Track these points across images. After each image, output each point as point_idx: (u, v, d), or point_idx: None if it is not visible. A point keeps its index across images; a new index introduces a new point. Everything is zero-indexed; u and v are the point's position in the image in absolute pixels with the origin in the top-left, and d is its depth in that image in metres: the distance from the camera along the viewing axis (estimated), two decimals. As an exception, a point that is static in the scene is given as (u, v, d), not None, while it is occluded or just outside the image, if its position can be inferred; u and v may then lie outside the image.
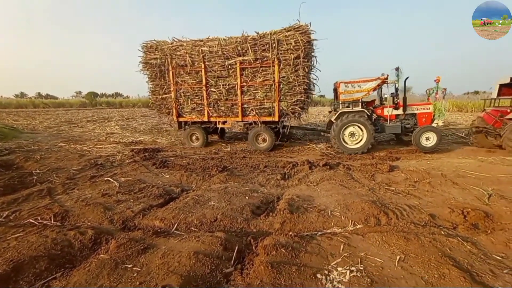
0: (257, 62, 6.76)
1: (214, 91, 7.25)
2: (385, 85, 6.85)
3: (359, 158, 6.24)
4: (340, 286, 2.02)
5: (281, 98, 6.87)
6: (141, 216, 3.23)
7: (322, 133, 8.51)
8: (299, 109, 6.92)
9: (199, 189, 4.17)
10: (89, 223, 3.07)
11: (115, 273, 2.14)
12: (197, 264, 2.20)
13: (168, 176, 4.85)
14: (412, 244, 2.48)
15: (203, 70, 7.14)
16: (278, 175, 4.63)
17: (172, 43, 7.32)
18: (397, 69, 6.60)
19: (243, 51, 6.77)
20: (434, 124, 6.74)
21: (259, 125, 7.17)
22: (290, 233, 2.81)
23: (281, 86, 6.78)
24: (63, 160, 5.99)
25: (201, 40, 7.07)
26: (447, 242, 2.52)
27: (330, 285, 2.04)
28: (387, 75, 6.64)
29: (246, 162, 5.73)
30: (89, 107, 34.93)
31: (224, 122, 7.66)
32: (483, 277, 2.05)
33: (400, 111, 6.88)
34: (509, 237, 2.60)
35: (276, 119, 6.99)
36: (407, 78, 6.60)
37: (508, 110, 6.42)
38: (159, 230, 2.87)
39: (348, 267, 2.21)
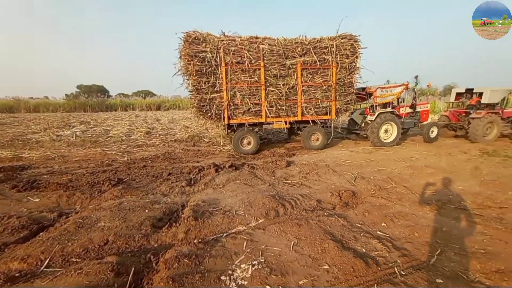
0: (318, 63, 7.02)
1: (274, 90, 7.00)
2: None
3: (262, 156, 6.77)
4: (243, 283, 2.09)
5: (337, 98, 7.43)
6: (-13, 260, 2.37)
7: (357, 132, 8.73)
8: (351, 107, 7.82)
9: (85, 209, 3.46)
10: None
11: None
12: (76, 303, 1.79)
13: (38, 199, 3.79)
14: (303, 229, 2.85)
15: (262, 68, 6.74)
16: (183, 182, 4.42)
17: (220, 37, 6.56)
18: (416, 77, 8.18)
19: (303, 52, 6.94)
20: (429, 119, 8.70)
21: (317, 124, 7.53)
22: (195, 240, 2.71)
23: (337, 87, 7.33)
24: None
25: (257, 37, 6.72)
26: (328, 221, 3.05)
27: (233, 284, 2.07)
28: (408, 82, 8.02)
29: (147, 172, 5.19)
30: None
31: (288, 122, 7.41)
32: (349, 242, 2.59)
33: (411, 110, 8.38)
34: (365, 208, 3.39)
35: (333, 117, 7.58)
36: (416, 83, 8.31)
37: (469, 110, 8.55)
38: (17, 275, 2.17)
39: (250, 262, 2.32)
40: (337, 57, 7.10)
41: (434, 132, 8.37)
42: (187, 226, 2.96)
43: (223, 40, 6.53)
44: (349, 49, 7.11)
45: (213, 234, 2.87)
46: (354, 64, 7.31)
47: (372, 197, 3.86)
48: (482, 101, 8.23)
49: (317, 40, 7.03)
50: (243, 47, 6.59)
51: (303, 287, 2.04)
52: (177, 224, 3.05)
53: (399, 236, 2.79)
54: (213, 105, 6.74)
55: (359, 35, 7.21)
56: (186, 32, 6.46)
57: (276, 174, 4.95)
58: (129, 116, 18.05)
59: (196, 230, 2.92)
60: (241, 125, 7.19)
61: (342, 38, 7.10)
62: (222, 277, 2.14)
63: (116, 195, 3.90)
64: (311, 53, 6.96)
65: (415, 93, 8.75)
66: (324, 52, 7.05)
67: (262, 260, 2.34)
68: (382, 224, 3.03)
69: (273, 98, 7.02)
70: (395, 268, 2.23)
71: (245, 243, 2.61)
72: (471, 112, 8.43)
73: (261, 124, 7.52)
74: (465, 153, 6.75)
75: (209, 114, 6.81)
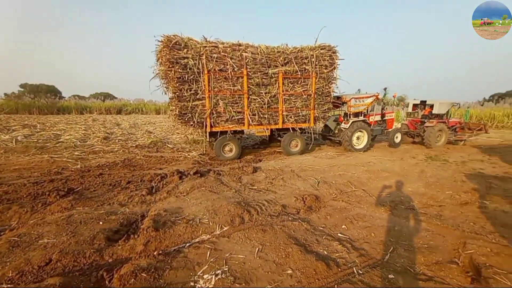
0: (299, 73, 7.22)
1: (256, 99, 7.05)
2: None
3: (229, 162, 6.70)
4: (205, 294, 2.01)
5: (315, 106, 7.72)
6: None
7: (331, 138, 9.27)
8: (328, 115, 8.26)
9: (23, 225, 3.04)
10: None
11: None
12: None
13: (-38, 216, 3.24)
14: (268, 235, 2.86)
15: (245, 77, 6.76)
16: (144, 191, 4.15)
17: (202, 42, 6.39)
18: (385, 89, 9.14)
19: (285, 61, 7.09)
20: (394, 127, 9.54)
21: (297, 131, 7.82)
22: (155, 252, 2.55)
23: (316, 96, 7.62)
24: None
25: (240, 45, 6.68)
26: (292, 226, 3.10)
27: (195, 297, 1.98)
28: (378, 93, 8.72)
29: (103, 180, 4.78)
30: None
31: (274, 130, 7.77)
32: (312, 246, 2.66)
33: (379, 118, 9.17)
34: (327, 212, 3.54)
35: (312, 125, 7.90)
36: (385, 94, 9.22)
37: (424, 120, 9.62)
38: None
39: (214, 272, 2.25)
40: (316, 68, 7.35)
41: (398, 137, 9.26)
42: (146, 238, 2.77)
43: (205, 46, 6.35)
44: (327, 60, 7.43)
45: (175, 244, 2.73)
46: (331, 74, 7.69)
47: (334, 201, 4.04)
48: (433, 111, 9.40)
49: (298, 50, 7.20)
50: (226, 54, 6.49)
51: (267, 294, 2.03)
52: (136, 236, 2.85)
53: (358, 237, 2.95)
54: (195, 113, 6.56)
55: (337, 46, 7.59)
56: (166, 36, 6.13)
57: (242, 180, 4.92)
58: (85, 120, 16.60)
59: (156, 241, 2.75)
60: (223, 132, 7.08)
61: (321, 49, 7.38)
62: (183, 290, 2.03)
63: (65, 207, 3.51)
64: (293, 63, 7.12)
65: (384, 103, 9.64)
66: (304, 62, 7.26)
67: (226, 269, 2.28)
68: (343, 226, 3.18)
69: (256, 107, 7.07)
70: (354, 268, 2.34)
71: (208, 252, 2.53)
72: (425, 121, 9.54)
73: (242, 131, 7.59)
74: (414, 158, 7.48)
75: (191, 122, 6.59)
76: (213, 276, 2.19)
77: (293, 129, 7.78)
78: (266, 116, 7.25)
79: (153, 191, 4.28)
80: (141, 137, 10.14)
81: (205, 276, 2.19)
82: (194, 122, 6.58)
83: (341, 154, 7.83)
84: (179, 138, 9.80)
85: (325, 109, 8.00)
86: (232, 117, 6.91)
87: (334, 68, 7.62)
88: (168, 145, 8.80)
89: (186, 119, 6.54)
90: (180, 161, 6.84)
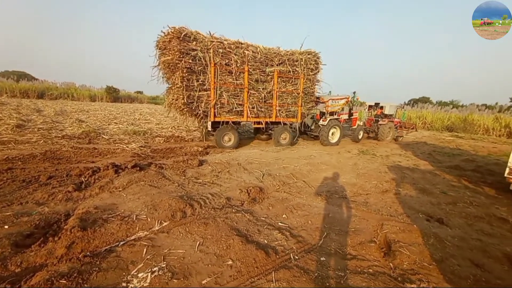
0: (291, 73, 8.18)
1: (254, 93, 7.79)
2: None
3: (173, 155, 6.38)
4: (139, 294, 1.88)
5: (302, 104, 8.74)
6: None
7: (307, 132, 10.36)
8: (311, 112, 9.77)
9: None
10: None
11: None
12: None
13: None
14: (210, 228, 2.82)
15: (246, 73, 7.45)
16: (70, 186, 3.63)
17: (209, 37, 6.94)
18: (354, 92, 10.50)
19: (280, 62, 7.99)
20: (357, 125, 10.61)
21: (287, 125, 8.89)
22: (81, 254, 2.26)
23: (303, 95, 8.65)
24: None
25: (241, 43, 7.33)
26: (235, 217, 3.13)
27: (127, 298, 1.84)
28: (349, 96, 9.99)
29: (13, 176, 3.99)
30: None
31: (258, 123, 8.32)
32: (253, 236, 2.74)
33: (347, 117, 10.35)
34: (270, 203, 3.68)
35: (299, 120, 9.05)
36: (354, 96, 10.58)
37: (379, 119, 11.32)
38: None
39: (150, 270, 2.12)
40: (304, 70, 8.44)
41: (360, 134, 10.73)
42: (70, 239, 2.44)
43: (213, 41, 6.91)
44: (313, 64, 8.61)
45: (106, 244, 2.47)
46: (316, 77, 8.90)
47: (277, 192, 4.23)
48: (384, 112, 11.24)
49: (290, 53, 8.20)
50: (230, 50, 7.15)
51: (206, 286, 2.01)
52: (56, 238, 2.48)
53: (296, 225, 3.15)
54: (202, 103, 7.10)
55: (320, 52, 8.77)
56: (176, 28, 6.54)
57: (187, 174, 4.74)
58: (-10, 103, 13.61)
59: (83, 242, 2.44)
60: (223, 122, 7.67)
61: (308, 54, 8.48)
62: (113, 293, 1.86)
63: (-46, 209, 2.82)
64: (286, 64, 8.09)
65: (352, 104, 10.99)
66: (295, 64, 8.28)
67: (164, 265, 2.18)
68: (283, 215, 3.35)
69: (254, 100, 7.86)
70: (291, 254, 2.49)
71: (145, 250, 2.36)
72: (379, 120, 11.33)
73: (239, 122, 8.36)
74: (349, 152, 8.35)
75: (197, 112, 7.09)
76: (149, 273, 2.06)
77: (284, 123, 8.78)
78: (262, 109, 8.12)
79: (82, 187, 3.78)
80: (70, 126, 8.83)
81: (140, 275, 2.05)
82: (199, 111, 7.11)
83: (286, 148, 8.24)
84: (117, 128, 8.87)
85: (309, 107, 9.27)
86: (233, 108, 7.56)
87: (318, 71, 8.86)
88: (103, 136, 7.88)
89: (192, 108, 7.05)
90: (117, 154, 6.19)
